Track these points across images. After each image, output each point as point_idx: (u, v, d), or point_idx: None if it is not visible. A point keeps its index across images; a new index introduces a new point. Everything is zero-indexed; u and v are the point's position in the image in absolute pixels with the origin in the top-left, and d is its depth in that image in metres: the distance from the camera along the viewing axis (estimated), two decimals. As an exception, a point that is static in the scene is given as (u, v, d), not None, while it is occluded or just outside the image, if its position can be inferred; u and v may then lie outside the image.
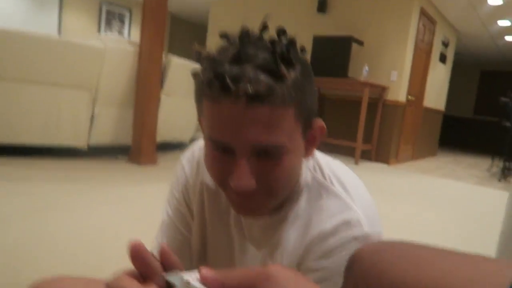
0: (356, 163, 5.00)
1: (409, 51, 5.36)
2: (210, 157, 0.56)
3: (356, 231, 0.57)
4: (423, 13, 5.47)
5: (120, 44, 3.35)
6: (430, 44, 6.09)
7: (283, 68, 0.49)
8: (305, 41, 5.99)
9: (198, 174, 0.72)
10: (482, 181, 5.04)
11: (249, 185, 0.52)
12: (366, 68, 5.20)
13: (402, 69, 5.31)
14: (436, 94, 6.84)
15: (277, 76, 0.49)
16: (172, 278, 0.35)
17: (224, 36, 0.55)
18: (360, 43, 5.46)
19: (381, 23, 5.44)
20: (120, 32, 8.06)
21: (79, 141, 3.21)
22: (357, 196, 0.61)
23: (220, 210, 0.70)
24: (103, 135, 3.36)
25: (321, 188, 0.62)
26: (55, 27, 7.16)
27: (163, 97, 3.61)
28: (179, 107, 3.94)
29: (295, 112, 0.52)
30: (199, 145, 0.75)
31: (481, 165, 6.98)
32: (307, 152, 0.60)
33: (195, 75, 0.54)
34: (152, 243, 0.74)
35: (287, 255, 0.61)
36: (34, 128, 2.99)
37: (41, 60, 2.89)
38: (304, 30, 6.07)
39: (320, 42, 5.47)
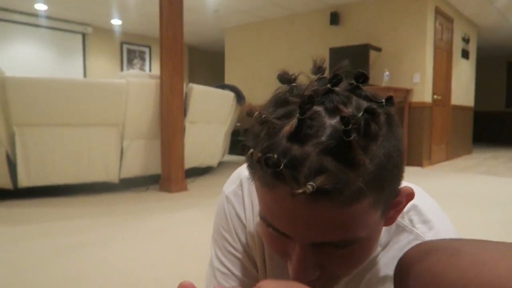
0: (388, 170, 4.87)
1: (429, 51, 5.27)
2: (264, 231, 0.47)
3: None
4: (438, 12, 5.39)
5: (141, 78, 3.46)
6: (450, 42, 5.96)
7: (359, 154, 0.36)
8: (321, 54, 5.99)
9: (253, 216, 0.63)
10: (524, 174, 4.79)
11: (311, 278, 0.43)
12: (387, 73, 5.14)
13: (424, 70, 5.21)
14: (463, 91, 6.65)
15: (350, 163, 0.36)
16: None
17: (284, 79, 0.43)
18: (378, 49, 5.42)
19: (397, 28, 5.40)
20: (142, 69, 8.36)
21: (111, 176, 3.30)
22: (445, 233, 0.52)
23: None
24: (133, 167, 3.44)
25: (399, 231, 0.53)
26: (80, 71, 7.51)
27: (187, 124, 3.68)
28: (204, 132, 4.00)
29: (374, 199, 0.40)
30: (244, 174, 0.64)
31: (522, 158, 6.66)
32: (388, 221, 0.47)
33: (243, 147, 0.42)
34: None
35: None
36: (67, 168, 3.10)
37: (69, 103, 3.02)
38: (320, 44, 6.10)
39: (337, 53, 5.46)
